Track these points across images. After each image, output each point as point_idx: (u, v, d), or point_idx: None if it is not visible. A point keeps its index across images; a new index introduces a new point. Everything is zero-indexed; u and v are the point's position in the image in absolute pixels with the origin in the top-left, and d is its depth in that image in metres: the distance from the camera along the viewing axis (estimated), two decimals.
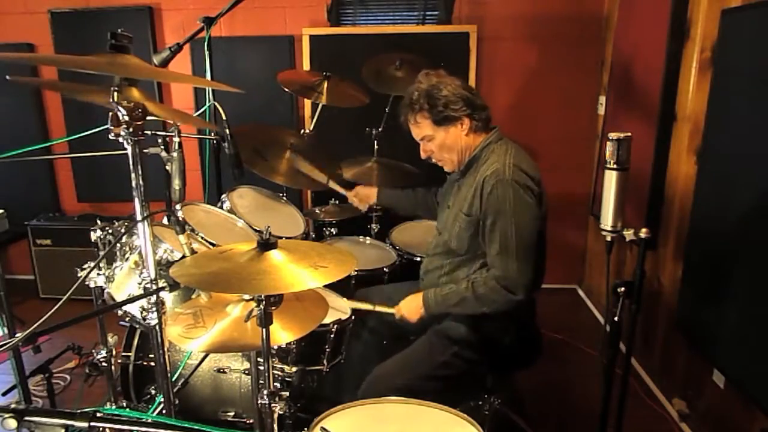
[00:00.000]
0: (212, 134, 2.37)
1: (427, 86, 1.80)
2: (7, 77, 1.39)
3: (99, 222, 1.78)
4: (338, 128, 3.02)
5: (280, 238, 1.35)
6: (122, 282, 1.73)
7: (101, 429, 0.90)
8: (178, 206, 1.92)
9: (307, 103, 3.54)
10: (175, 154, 1.39)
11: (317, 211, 2.74)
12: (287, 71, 3.18)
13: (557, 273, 3.27)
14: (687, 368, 2.42)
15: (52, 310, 1.03)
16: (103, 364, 1.85)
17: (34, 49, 3.67)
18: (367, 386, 1.77)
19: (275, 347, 1.82)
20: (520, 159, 1.77)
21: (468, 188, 1.82)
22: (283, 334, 1.39)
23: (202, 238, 1.89)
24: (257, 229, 2.17)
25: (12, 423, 0.86)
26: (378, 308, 2.01)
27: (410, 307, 1.91)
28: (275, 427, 1.35)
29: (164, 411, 1.47)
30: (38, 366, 2.16)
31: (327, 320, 1.83)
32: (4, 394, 2.36)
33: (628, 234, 1.57)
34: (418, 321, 1.90)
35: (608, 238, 1.61)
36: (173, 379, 1.84)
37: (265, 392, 1.31)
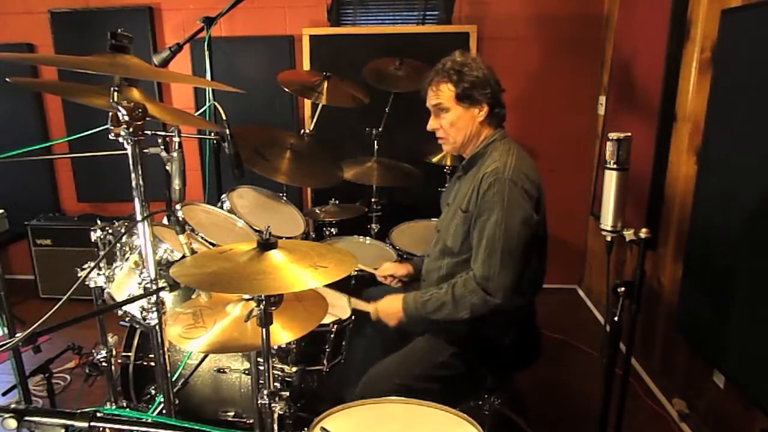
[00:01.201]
0: (212, 134, 2.37)
1: (462, 61, 1.81)
2: (8, 79, 1.38)
3: (99, 222, 1.78)
4: (338, 128, 3.02)
5: (280, 238, 1.35)
6: (122, 282, 1.73)
7: (101, 429, 0.90)
8: (178, 206, 1.92)
9: (307, 103, 3.54)
10: (175, 154, 1.39)
11: (317, 211, 2.74)
12: (287, 71, 3.17)
13: (557, 273, 3.26)
14: (687, 368, 2.42)
15: (52, 310, 1.03)
16: (103, 364, 1.86)
17: (34, 49, 3.67)
18: (364, 385, 1.76)
19: (275, 347, 1.82)
20: (521, 161, 1.76)
21: (468, 185, 1.82)
22: (283, 334, 1.39)
23: (202, 238, 1.89)
24: (257, 229, 2.17)
25: (12, 423, 0.86)
26: (354, 304, 1.96)
27: (388, 310, 1.88)
28: (275, 427, 1.35)
29: (164, 411, 1.47)
30: (38, 366, 2.15)
31: (327, 320, 1.83)
32: (4, 394, 2.36)
33: (628, 234, 1.57)
34: (397, 325, 1.87)
35: (608, 238, 1.60)
36: (173, 379, 1.84)
37: (265, 392, 1.31)
